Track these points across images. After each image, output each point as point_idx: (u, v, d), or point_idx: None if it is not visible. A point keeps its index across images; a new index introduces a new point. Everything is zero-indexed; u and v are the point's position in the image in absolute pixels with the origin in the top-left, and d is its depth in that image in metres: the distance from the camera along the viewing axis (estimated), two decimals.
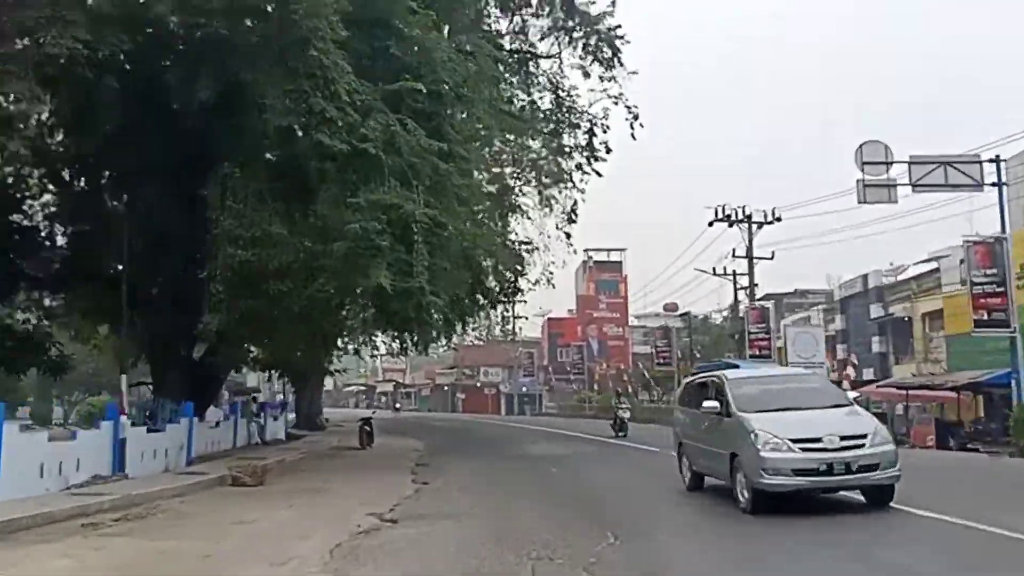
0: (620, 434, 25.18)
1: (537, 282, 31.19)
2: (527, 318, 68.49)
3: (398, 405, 64.02)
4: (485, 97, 19.11)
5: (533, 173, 28.33)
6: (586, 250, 73.68)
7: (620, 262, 73.21)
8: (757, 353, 29.03)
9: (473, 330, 44.72)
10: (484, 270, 22.60)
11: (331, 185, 16.71)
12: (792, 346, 28.18)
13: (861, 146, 21.87)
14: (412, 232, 15.61)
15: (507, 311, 32.61)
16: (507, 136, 25.29)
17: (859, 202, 22.14)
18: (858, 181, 21.79)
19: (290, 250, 16.70)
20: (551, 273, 31.84)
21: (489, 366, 72.09)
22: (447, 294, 17.29)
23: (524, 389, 68.66)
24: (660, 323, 75.80)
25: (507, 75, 25.33)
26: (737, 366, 12.06)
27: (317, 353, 28.72)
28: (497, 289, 24.92)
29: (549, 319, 71.35)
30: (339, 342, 35.90)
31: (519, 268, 26.16)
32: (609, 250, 73.69)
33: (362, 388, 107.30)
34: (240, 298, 17.06)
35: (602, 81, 26.21)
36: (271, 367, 31.44)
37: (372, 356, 51.50)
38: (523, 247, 27.92)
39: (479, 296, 23.97)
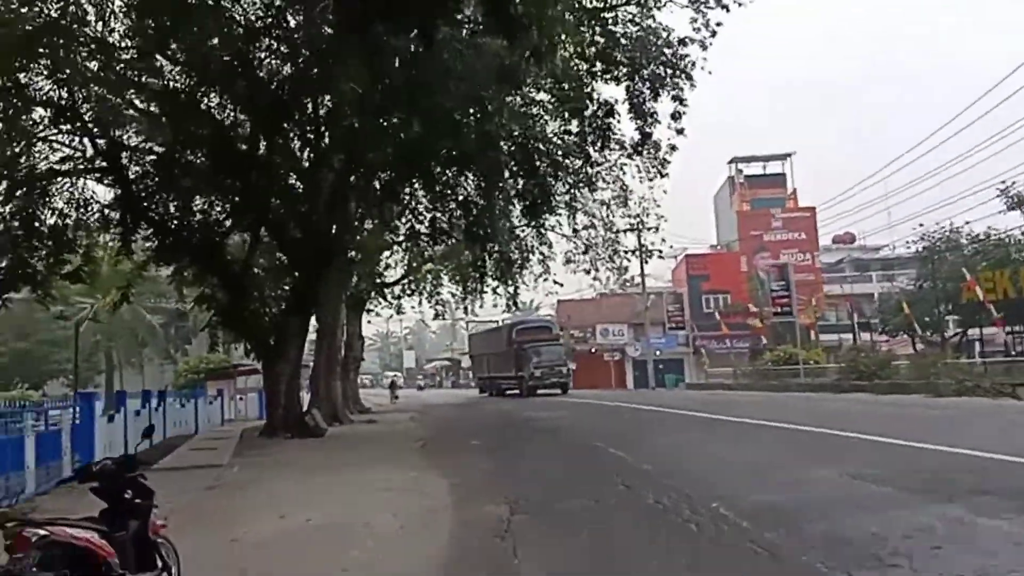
0: None
1: None
2: (660, 252, 49.42)
3: (421, 382, 44.67)
4: None
5: None
6: (733, 160, 54.21)
7: (783, 175, 53.14)
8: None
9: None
10: None
11: None
12: None
13: None
14: None
15: None
16: None
17: None
18: None
19: None
20: None
21: (608, 323, 53.47)
22: None
23: (659, 353, 49.43)
24: (837, 258, 55.80)
25: None
26: None
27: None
28: None
29: (688, 256, 52.09)
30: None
31: None
32: (767, 158, 53.73)
33: (447, 363, 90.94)
34: None
35: None
36: None
37: (434, 303, 33.73)
38: None
39: None
